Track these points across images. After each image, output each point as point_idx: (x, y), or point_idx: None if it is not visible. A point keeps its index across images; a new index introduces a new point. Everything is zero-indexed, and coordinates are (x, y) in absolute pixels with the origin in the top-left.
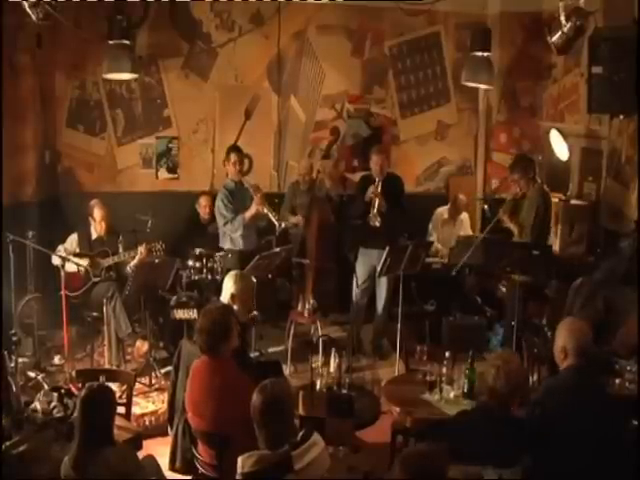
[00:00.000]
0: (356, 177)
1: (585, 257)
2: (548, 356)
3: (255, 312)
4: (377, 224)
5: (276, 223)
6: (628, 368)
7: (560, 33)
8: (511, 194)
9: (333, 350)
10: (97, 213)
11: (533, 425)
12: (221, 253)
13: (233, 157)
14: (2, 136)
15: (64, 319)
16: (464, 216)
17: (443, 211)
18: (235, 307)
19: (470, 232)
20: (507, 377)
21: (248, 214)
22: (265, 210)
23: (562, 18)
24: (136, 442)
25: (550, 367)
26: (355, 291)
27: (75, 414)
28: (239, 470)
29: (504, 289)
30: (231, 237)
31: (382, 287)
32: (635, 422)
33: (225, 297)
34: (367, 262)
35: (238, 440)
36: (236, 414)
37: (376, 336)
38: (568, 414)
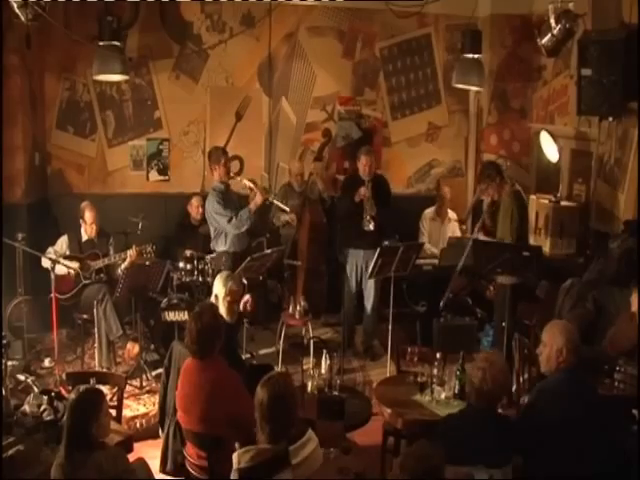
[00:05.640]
0: None
1: (575, 258)
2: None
3: (247, 296)
4: (371, 228)
5: (286, 209)
6: (617, 368)
7: (550, 35)
8: (486, 204)
9: (324, 352)
10: (88, 215)
11: (526, 425)
12: (212, 255)
13: (224, 159)
14: (2, 136)
15: (54, 321)
16: (452, 215)
17: (430, 211)
18: (223, 308)
19: (459, 233)
20: (493, 379)
21: (253, 205)
22: (271, 198)
23: (552, 21)
24: (127, 445)
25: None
26: (345, 292)
27: (65, 417)
28: (235, 466)
29: (492, 289)
30: (225, 238)
31: (370, 287)
32: (627, 422)
33: (213, 298)
34: (355, 262)
35: (228, 441)
36: (225, 412)
37: (367, 337)
38: (560, 414)
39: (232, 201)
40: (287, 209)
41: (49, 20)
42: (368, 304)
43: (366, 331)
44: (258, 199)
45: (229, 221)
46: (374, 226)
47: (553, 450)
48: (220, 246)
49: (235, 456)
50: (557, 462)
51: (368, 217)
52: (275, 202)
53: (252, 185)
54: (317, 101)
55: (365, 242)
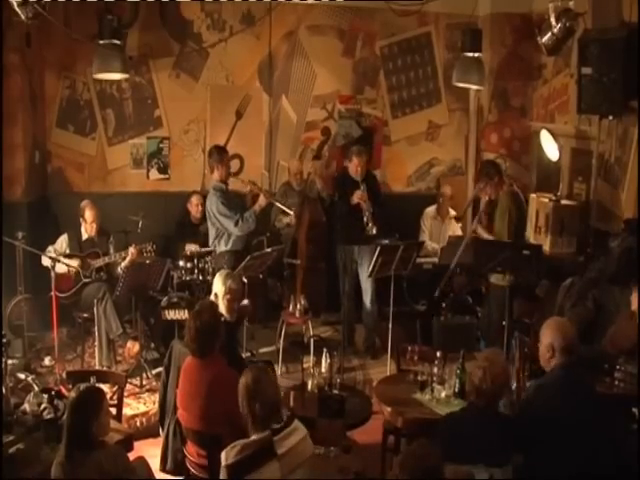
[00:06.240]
0: None
1: (575, 257)
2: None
3: (246, 301)
4: (374, 232)
5: (289, 212)
6: (617, 367)
7: (550, 34)
8: (483, 203)
9: (324, 350)
10: (88, 214)
11: (522, 422)
12: (212, 253)
13: (225, 158)
14: (2, 135)
15: (54, 320)
16: (453, 214)
17: (432, 209)
18: (223, 307)
19: (459, 231)
20: (493, 378)
21: (258, 207)
22: (274, 201)
23: (552, 19)
24: (127, 443)
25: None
26: (344, 291)
27: (65, 416)
28: (223, 463)
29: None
30: (228, 238)
31: (367, 282)
32: (627, 421)
33: (213, 297)
34: (349, 259)
35: (228, 439)
36: (224, 411)
37: (369, 334)
38: (558, 413)
39: (234, 201)
40: (290, 212)
41: (49, 19)
42: (367, 299)
43: (367, 327)
44: (262, 201)
45: (236, 224)
46: (376, 230)
47: (550, 448)
48: (222, 246)
49: (223, 454)
50: (554, 460)
51: (370, 224)
52: (279, 205)
53: (255, 188)
54: (317, 100)
55: (359, 238)
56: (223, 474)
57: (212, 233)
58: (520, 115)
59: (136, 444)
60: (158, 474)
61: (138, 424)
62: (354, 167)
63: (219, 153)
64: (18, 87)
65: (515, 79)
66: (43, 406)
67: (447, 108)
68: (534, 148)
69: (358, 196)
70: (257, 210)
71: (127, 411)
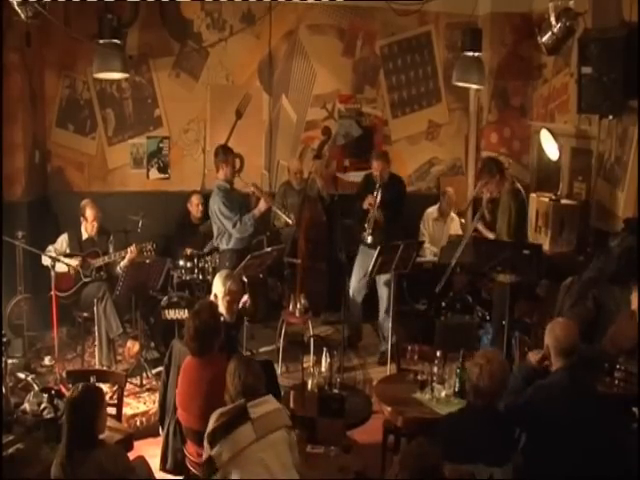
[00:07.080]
0: (347, 177)
1: (575, 256)
2: None
3: (245, 297)
4: (369, 241)
5: (289, 220)
6: (618, 366)
7: (550, 34)
8: (485, 200)
9: (324, 350)
10: (89, 213)
11: (523, 424)
12: (211, 252)
13: (230, 157)
14: (2, 134)
15: (54, 320)
16: (453, 215)
17: (433, 210)
18: (223, 307)
19: (460, 231)
20: (490, 375)
21: (257, 211)
22: (274, 207)
23: (552, 19)
24: (127, 443)
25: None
26: (350, 290)
27: (65, 415)
28: (206, 434)
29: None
30: (228, 237)
31: (383, 288)
32: (627, 420)
33: (213, 297)
34: (365, 261)
35: None
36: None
37: (381, 342)
38: (559, 413)
39: (236, 201)
40: (290, 221)
41: (49, 18)
42: (381, 306)
43: (383, 336)
44: (262, 206)
45: (234, 226)
46: (372, 239)
47: (551, 448)
48: (224, 244)
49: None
50: (554, 460)
51: (369, 230)
52: (279, 212)
53: (257, 192)
54: (317, 99)
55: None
56: (205, 443)
57: (215, 231)
58: (520, 115)
59: (136, 444)
60: (158, 474)
61: (138, 424)
62: (374, 170)
63: (225, 152)
64: (18, 87)
65: (515, 79)
66: (43, 406)
67: (447, 107)
68: (534, 148)
69: (367, 201)
70: (256, 215)
71: (127, 411)
